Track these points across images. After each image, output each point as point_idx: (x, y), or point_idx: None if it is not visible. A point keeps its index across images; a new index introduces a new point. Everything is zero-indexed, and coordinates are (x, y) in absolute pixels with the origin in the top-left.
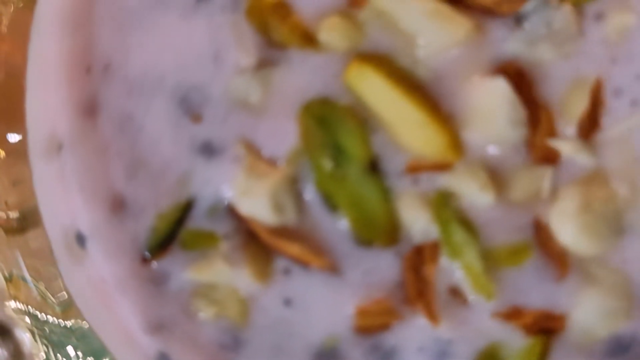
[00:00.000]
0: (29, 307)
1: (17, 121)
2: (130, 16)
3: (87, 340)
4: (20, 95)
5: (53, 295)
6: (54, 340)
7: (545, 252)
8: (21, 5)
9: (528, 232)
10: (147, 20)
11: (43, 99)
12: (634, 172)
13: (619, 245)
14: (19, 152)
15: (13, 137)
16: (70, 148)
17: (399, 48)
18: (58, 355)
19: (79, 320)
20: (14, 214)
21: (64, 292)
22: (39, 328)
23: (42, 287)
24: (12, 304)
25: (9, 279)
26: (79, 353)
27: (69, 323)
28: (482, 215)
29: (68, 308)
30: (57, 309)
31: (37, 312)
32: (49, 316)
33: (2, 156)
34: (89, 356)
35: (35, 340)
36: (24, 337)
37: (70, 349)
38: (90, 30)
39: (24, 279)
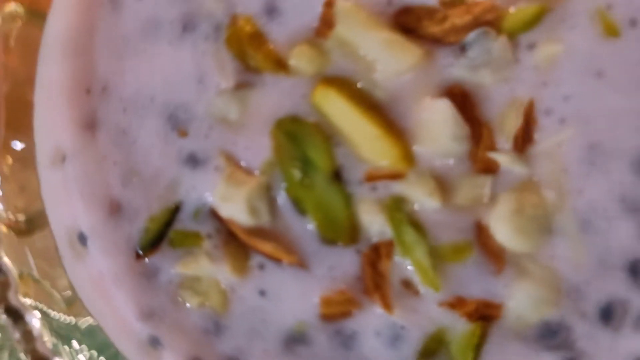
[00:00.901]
0: (38, 303)
1: (22, 130)
2: (125, 44)
3: (90, 336)
4: (25, 105)
5: (59, 293)
6: (62, 334)
7: (485, 250)
8: (27, 21)
9: (470, 233)
10: (140, 48)
11: (49, 115)
12: (561, 181)
13: (548, 244)
14: (25, 160)
15: (18, 145)
16: (73, 159)
17: (359, 72)
18: (65, 347)
19: (82, 317)
20: (21, 217)
21: (68, 291)
22: (47, 322)
23: (48, 285)
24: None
25: (20, 277)
26: (84, 347)
27: (73, 320)
28: (430, 218)
29: (72, 304)
30: (63, 305)
31: (45, 308)
32: (55, 312)
33: (9, 163)
34: (93, 349)
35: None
36: (34, 322)
37: (74, 343)
38: (90, 56)
39: (33, 278)
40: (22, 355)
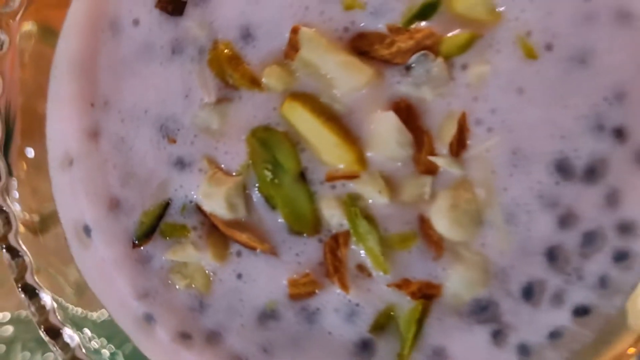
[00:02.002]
0: (54, 294)
1: (35, 138)
2: (123, 64)
3: (99, 325)
4: (37, 116)
5: (70, 287)
6: (76, 322)
7: (426, 239)
8: (39, 38)
9: (414, 224)
10: (136, 68)
11: (59, 125)
12: (490, 180)
13: (479, 233)
14: (36, 167)
15: (30, 152)
16: (79, 163)
17: (321, 89)
18: (79, 332)
19: (88, 311)
20: (36, 217)
21: (76, 287)
22: (63, 311)
23: (61, 279)
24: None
25: (37, 271)
26: (94, 335)
27: (83, 311)
28: (380, 212)
29: (81, 296)
30: (74, 298)
31: (59, 298)
32: (68, 303)
33: (25, 168)
34: (102, 337)
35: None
36: (47, 298)
37: (87, 330)
38: (94, 75)
39: (48, 272)
40: (32, 345)
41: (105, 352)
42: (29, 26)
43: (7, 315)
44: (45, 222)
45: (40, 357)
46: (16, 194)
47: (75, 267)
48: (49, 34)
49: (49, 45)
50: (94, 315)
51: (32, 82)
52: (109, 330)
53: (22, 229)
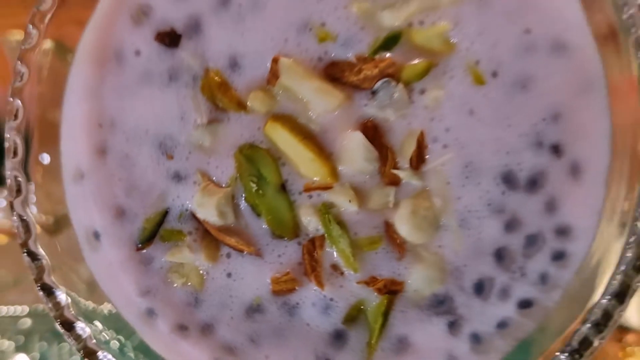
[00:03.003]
0: (68, 290)
1: (49, 145)
2: (127, 90)
3: (108, 318)
4: (51, 125)
5: (82, 283)
6: (88, 316)
7: (391, 241)
8: (55, 54)
9: (380, 229)
10: (137, 93)
11: (71, 143)
12: (445, 190)
13: (436, 237)
14: (50, 171)
15: (46, 159)
16: (89, 176)
17: (298, 111)
18: (90, 325)
19: (98, 305)
20: (50, 219)
21: (87, 284)
22: (76, 305)
23: (74, 276)
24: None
25: (53, 270)
26: (105, 327)
27: (93, 306)
28: (351, 218)
29: (92, 292)
30: (86, 294)
31: (73, 294)
32: (80, 298)
33: (41, 173)
34: (111, 329)
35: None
36: (62, 296)
37: (97, 323)
38: (101, 99)
39: (62, 270)
40: (49, 336)
41: (115, 343)
42: (47, 44)
43: (26, 309)
44: (58, 223)
45: (56, 347)
46: (33, 198)
47: (87, 266)
48: (63, 49)
49: (63, 59)
50: (104, 310)
51: (48, 94)
52: (118, 323)
53: (38, 229)
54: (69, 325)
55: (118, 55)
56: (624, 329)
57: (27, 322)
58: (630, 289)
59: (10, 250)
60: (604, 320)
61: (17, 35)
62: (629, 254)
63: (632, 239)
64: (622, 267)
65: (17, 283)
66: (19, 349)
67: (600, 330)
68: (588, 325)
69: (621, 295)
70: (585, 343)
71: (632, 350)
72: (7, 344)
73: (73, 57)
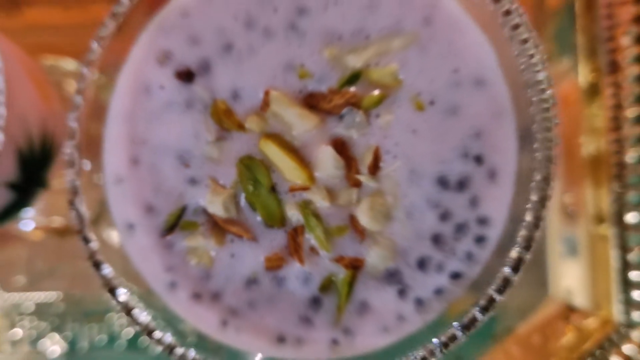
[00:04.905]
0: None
1: (90, 153)
2: (153, 115)
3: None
4: (92, 137)
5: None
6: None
7: (355, 229)
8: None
9: (346, 220)
10: (162, 117)
11: (112, 156)
12: (395, 190)
13: (388, 226)
14: (89, 176)
15: (87, 165)
16: (125, 181)
17: (284, 130)
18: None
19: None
20: (92, 215)
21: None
22: (118, 278)
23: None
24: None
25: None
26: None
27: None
28: (324, 212)
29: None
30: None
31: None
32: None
33: (85, 177)
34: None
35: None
36: (108, 269)
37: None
38: (134, 122)
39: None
40: (79, 317)
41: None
42: (95, 76)
43: (60, 295)
44: (97, 219)
45: (86, 327)
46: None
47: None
48: (105, 83)
49: (104, 91)
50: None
51: (93, 117)
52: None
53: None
54: (113, 291)
55: (147, 88)
56: (571, 309)
57: (61, 307)
58: (522, 262)
59: (46, 245)
60: (504, 286)
61: (62, 62)
62: (522, 236)
63: (523, 224)
64: (518, 247)
65: (51, 272)
66: (54, 329)
67: (501, 292)
68: (493, 287)
69: (517, 268)
70: (491, 302)
71: (577, 326)
72: (44, 325)
73: (113, 89)
